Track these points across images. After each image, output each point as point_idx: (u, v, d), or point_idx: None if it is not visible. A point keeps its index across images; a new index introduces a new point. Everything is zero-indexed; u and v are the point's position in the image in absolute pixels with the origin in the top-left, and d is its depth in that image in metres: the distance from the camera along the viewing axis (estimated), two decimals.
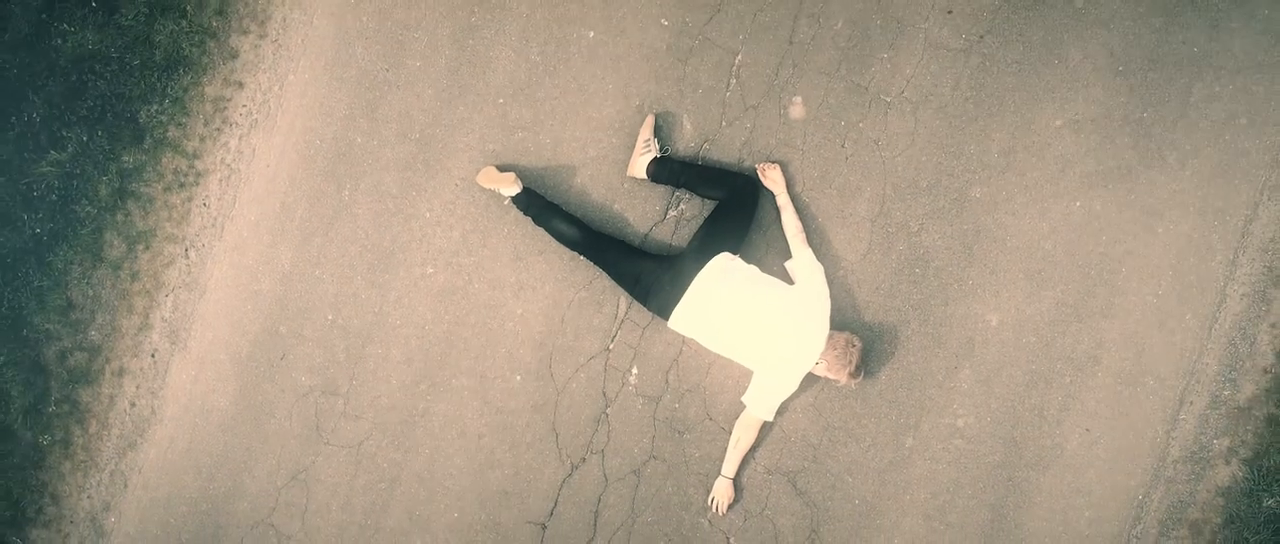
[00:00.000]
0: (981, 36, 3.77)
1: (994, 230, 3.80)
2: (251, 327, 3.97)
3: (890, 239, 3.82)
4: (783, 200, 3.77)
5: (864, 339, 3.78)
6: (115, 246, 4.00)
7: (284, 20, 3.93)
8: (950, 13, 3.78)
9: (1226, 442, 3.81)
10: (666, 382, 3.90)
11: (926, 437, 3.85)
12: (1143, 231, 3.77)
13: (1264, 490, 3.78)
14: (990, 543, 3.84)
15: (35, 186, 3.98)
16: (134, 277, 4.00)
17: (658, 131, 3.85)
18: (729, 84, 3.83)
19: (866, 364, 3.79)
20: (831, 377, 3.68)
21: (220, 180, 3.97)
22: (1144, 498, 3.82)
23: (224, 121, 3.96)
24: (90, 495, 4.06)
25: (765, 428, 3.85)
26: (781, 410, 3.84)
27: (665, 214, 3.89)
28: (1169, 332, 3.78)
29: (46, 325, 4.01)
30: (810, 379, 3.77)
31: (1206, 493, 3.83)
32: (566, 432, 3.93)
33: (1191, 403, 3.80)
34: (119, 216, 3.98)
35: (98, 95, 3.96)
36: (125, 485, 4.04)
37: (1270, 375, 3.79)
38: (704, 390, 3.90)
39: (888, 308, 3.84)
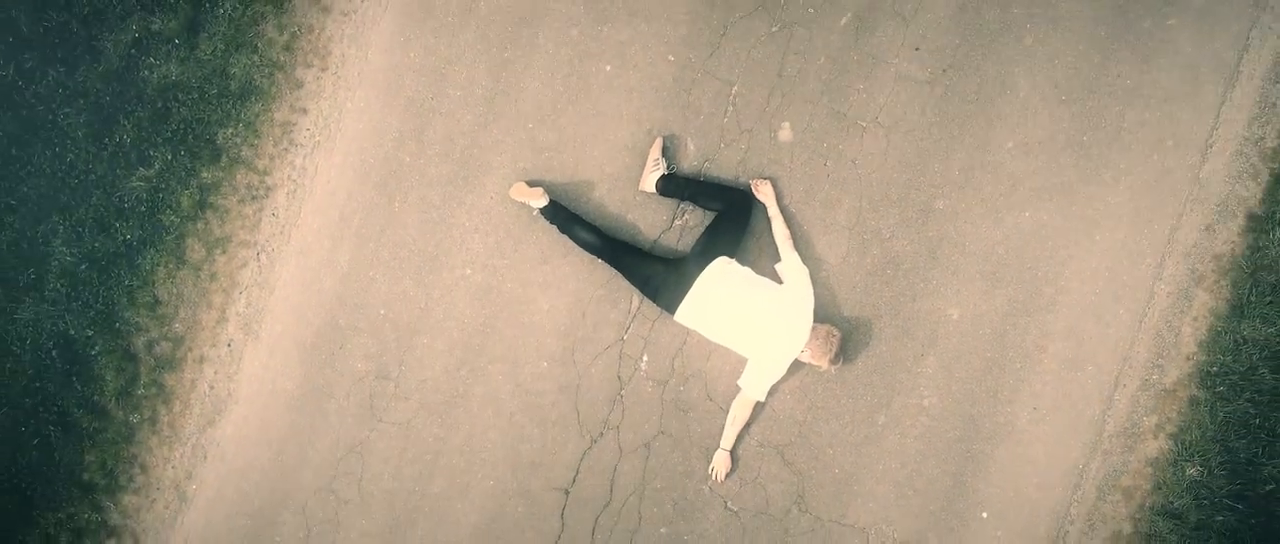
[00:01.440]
0: (944, 70, 4.37)
1: (954, 237, 4.40)
2: (314, 319, 4.59)
3: (865, 244, 4.43)
4: (773, 211, 4.37)
5: (843, 330, 4.38)
6: (196, 251, 4.61)
7: (342, 55, 4.54)
8: (917, 50, 4.38)
9: (1154, 419, 4.41)
10: (673, 367, 4.51)
11: (897, 415, 4.46)
12: (1083, 238, 4.37)
13: (1186, 461, 4.38)
14: (951, 506, 4.45)
15: (126, 199, 4.59)
16: (212, 277, 4.62)
17: (665, 152, 4.45)
18: (726, 111, 4.44)
19: (845, 352, 4.39)
20: (815, 363, 4.28)
21: (287, 193, 4.58)
22: (1083, 467, 4.43)
23: (290, 143, 4.57)
24: (174, 466, 4.69)
25: (758, 407, 4.46)
26: (772, 392, 4.44)
27: (671, 223, 4.50)
28: (1105, 324, 4.39)
29: (136, 319, 4.63)
30: (797, 365, 4.38)
31: (1137, 463, 4.43)
32: (587, 410, 4.54)
33: (1124, 386, 4.40)
34: (199, 225, 4.60)
35: (180, 120, 4.57)
36: (205, 457, 4.67)
37: (1192, 362, 4.39)
38: (705, 375, 4.51)
39: (863, 304, 4.45)
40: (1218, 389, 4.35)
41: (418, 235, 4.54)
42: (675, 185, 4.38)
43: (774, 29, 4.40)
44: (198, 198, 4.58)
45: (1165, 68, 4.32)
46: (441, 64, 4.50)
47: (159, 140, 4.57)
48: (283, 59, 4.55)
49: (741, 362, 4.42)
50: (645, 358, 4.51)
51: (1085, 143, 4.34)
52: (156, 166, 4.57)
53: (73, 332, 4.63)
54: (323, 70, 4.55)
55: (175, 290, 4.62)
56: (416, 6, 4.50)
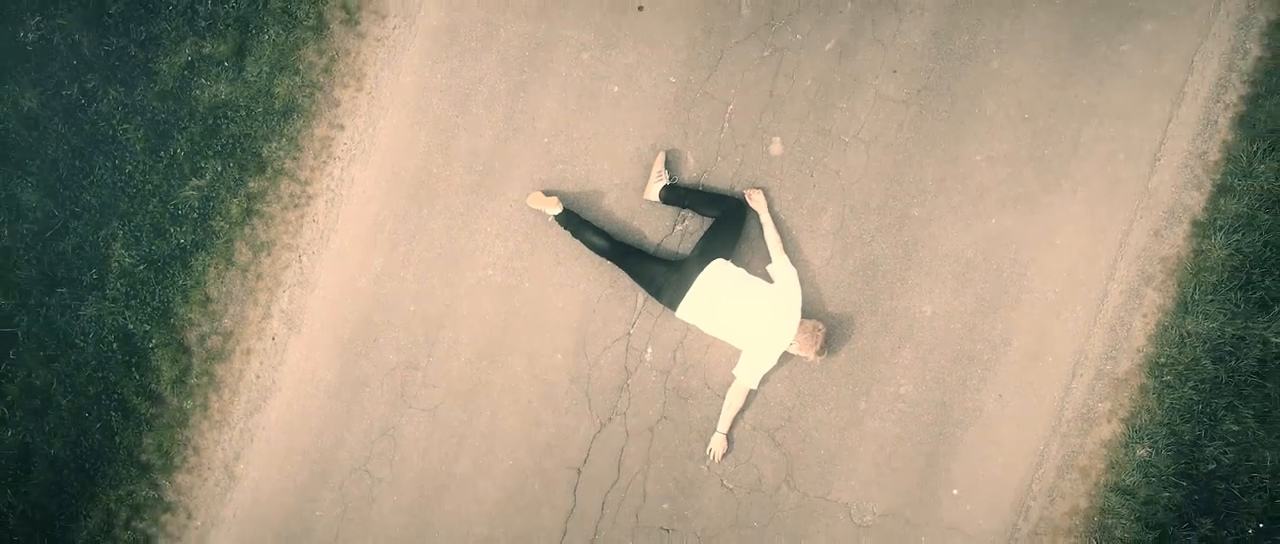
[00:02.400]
0: (918, 91, 4.85)
1: (928, 241, 4.88)
2: (351, 316, 5.08)
3: (848, 248, 4.91)
4: (765, 218, 4.85)
5: (828, 325, 4.86)
6: (243, 253, 5.10)
7: (376, 77, 5.02)
8: (895, 72, 4.86)
9: (1108, 405, 4.89)
10: (674, 359, 5.00)
11: (876, 401, 4.94)
12: (1044, 242, 4.85)
13: (1137, 442, 4.86)
14: (925, 483, 4.94)
15: (180, 207, 5.08)
16: (258, 277, 5.11)
17: (667, 164, 4.93)
18: (723, 128, 4.92)
19: (830, 345, 4.87)
20: (802, 354, 4.76)
21: (326, 202, 5.07)
22: (1044, 449, 4.91)
23: (329, 156, 5.06)
24: (224, 448, 5.18)
25: (751, 394, 4.94)
26: (763, 381, 4.93)
27: (673, 229, 4.98)
28: (1064, 320, 4.87)
29: (189, 315, 5.12)
30: (786, 356, 4.86)
31: (1093, 445, 4.91)
32: (597, 398, 5.03)
33: (1081, 375, 4.89)
34: (247, 230, 5.09)
35: (229, 135, 5.06)
36: (252, 440, 5.16)
37: (1142, 354, 4.87)
38: (703, 366, 5.00)
39: (846, 301, 4.93)
40: (1165, 378, 4.83)
41: (444, 239, 5.02)
42: (676, 194, 4.86)
43: (765, 53, 4.88)
44: (245, 205, 5.06)
45: (1118, 89, 4.79)
46: (466, 85, 4.98)
47: (210, 153, 5.05)
48: (322, 80, 5.03)
49: (736, 353, 4.90)
50: (649, 350, 4.99)
51: (1046, 156, 4.82)
52: (207, 177, 5.06)
53: (132, 326, 5.12)
54: (358, 90, 5.03)
55: (225, 289, 5.11)
56: (443, 33, 4.98)
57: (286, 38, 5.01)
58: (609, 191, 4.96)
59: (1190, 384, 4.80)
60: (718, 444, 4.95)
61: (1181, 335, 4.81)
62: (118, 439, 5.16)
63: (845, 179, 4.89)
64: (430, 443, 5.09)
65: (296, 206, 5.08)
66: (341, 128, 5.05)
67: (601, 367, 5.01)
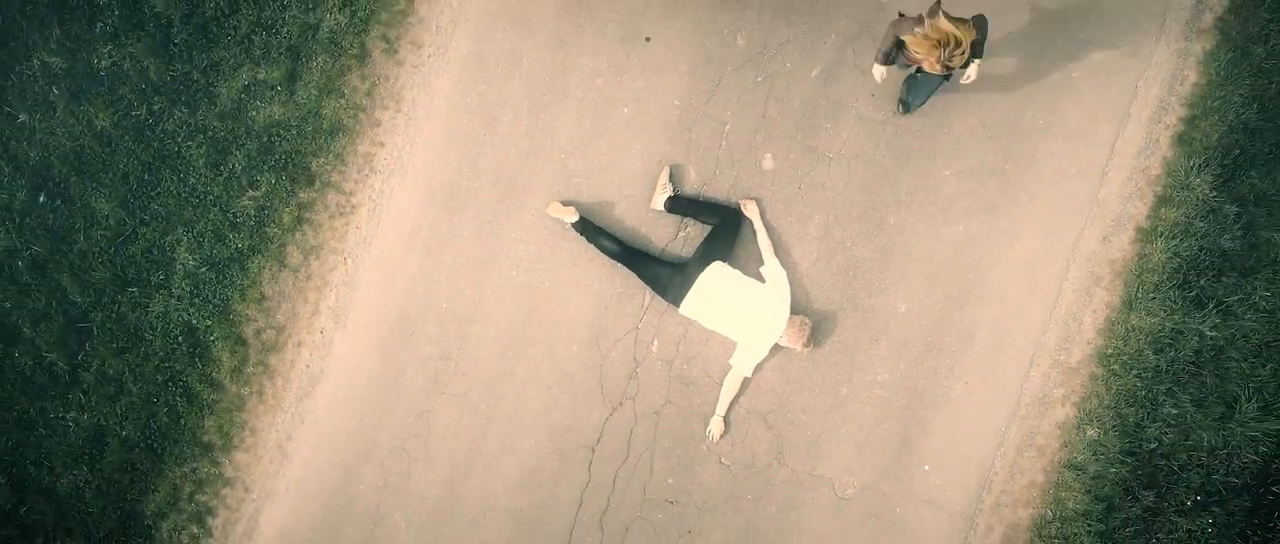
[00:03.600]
0: (891, 116, 5.46)
1: (903, 246, 5.50)
2: (390, 312, 5.71)
3: (831, 251, 5.53)
4: (758, 225, 5.47)
5: (814, 320, 5.49)
6: (294, 256, 5.74)
7: (413, 100, 5.65)
8: (873, 96, 5.47)
9: (1062, 391, 5.51)
10: (678, 350, 5.62)
11: (856, 387, 5.57)
12: (1004, 247, 5.47)
13: (1087, 424, 5.48)
14: (899, 460, 5.57)
15: (238, 215, 5.71)
16: (308, 277, 5.74)
17: (671, 177, 5.55)
18: (721, 145, 5.54)
19: (815, 337, 5.49)
20: (791, 346, 5.39)
21: (368, 211, 5.70)
22: (1005, 430, 5.53)
23: (371, 170, 5.69)
24: (277, 429, 5.82)
25: (745, 382, 5.57)
26: (757, 369, 5.55)
27: (676, 234, 5.60)
28: (1023, 316, 5.48)
29: (246, 311, 5.76)
30: (776, 348, 5.49)
31: (1048, 426, 5.54)
32: (609, 384, 5.66)
33: (1038, 364, 5.51)
34: (298, 235, 5.72)
35: (282, 151, 5.69)
36: (302, 422, 5.79)
37: (1092, 346, 5.49)
38: (704, 356, 5.62)
39: (830, 299, 5.55)
40: (1112, 367, 5.45)
41: (473, 244, 5.65)
42: (679, 204, 5.48)
43: (759, 79, 5.50)
44: (296, 214, 5.70)
45: (1070, 111, 5.40)
46: (492, 107, 5.61)
47: (264, 168, 5.68)
48: (365, 102, 5.66)
49: (733, 345, 5.52)
50: (655, 342, 5.62)
51: (1006, 171, 5.44)
52: (262, 189, 5.69)
53: (195, 321, 5.76)
54: (397, 111, 5.66)
55: (278, 288, 5.75)
56: (472, 61, 5.61)
57: (333, 65, 5.63)
58: (619, 202, 5.59)
59: (1134, 372, 5.42)
60: (716, 426, 5.57)
61: (1126, 329, 5.43)
62: (182, 422, 5.80)
63: (829, 191, 5.51)
64: (460, 425, 5.72)
65: (342, 215, 5.71)
66: (382, 145, 5.67)
67: (613, 357, 5.64)
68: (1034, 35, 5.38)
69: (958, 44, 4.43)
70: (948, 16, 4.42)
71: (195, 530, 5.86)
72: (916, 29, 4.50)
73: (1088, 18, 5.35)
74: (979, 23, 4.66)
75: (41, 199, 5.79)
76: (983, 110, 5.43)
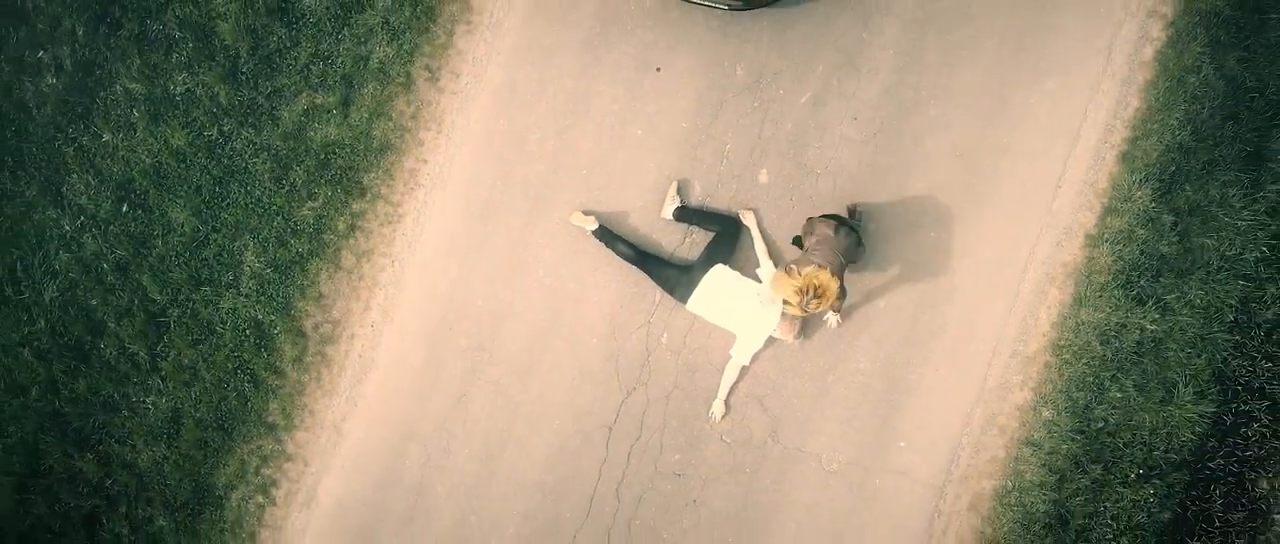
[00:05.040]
0: (873, 135, 6.24)
1: (881, 249, 6.27)
2: (433, 309, 6.50)
3: None
4: (754, 233, 6.23)
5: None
6: (348, 259, 6.53)
7: (453, 122, 6.43)
8: (855, 119, 6.24)
9: (1020, 377, 6.29)
10: (684, 342, 6.41)
11: (841, 374, 6.35)
12: (970, 251, 6.23)
13: (1043, 406, 6.25)
14: (878, 438, 6.34)
15: (298, 223, 6.50)
16: (360, 278, 6.54)
17: (679, 190, 6.32)
18: (722, 162, 6.32)
19: (805, 330, 6.28)
20: (784, 338, 6.16)
21: (413, 220, 6.49)
22: (970, 411, 6.30)
23: (416, 184, 6.47)
24: (333, 411, 6.62)
25: (743, 369, 6.33)
26: (754, 358, 6.32)
27: (683, 240, 6.39)
28: (985, 312, 6.24)
29: (306, 308, 6.55)
30: (771, 340, 6.27)
31: (1009, 408, 6.31)
32: (624, 372, 6.44)
33: (999, 354, 6.28)
34: (351, 241, 6.51)
35: (337, 167, 6.47)
36: (355, 406, 6.59)
37: (1046, 338, 6.26)
38: (707, 347, 6.41)
39: None
40: (1064, 356, 6.22)
41: (505, 250, 6.44)
42: (686, 214, 6.26)
43: (755, 105, 6.28)
44: (350, 222, 6.49)
45: (1028, 132, 6.17)
46: (522, 129, 6.39)
47: (322, 181, 6.48)
48: (410, 125, 6.45)
49: (732, 337, 6.30)
50: (665, 335, 6.41)
51: (972, 184, 6.21)
52: (320, 200, 6.48)
53: (260, 317, 6.56)
54: (438, 132, 6.45)
55: (334, 288, 6.55)
56: (505, 89, 6.39)
57: (382, 91, 6.42)
58: (633, 212, 6.38)
59: (1083, 361, 6.20)
60: (718, 408, 6.36)
61: (1077, 323, 6.21)
62: (249, 404, 6.60)
63: (817, 202, 6.28)
64: (495, 408, 6.52)
65: (390, 223, 6.50)
66: (425, 162, 6.47)
67: (627, 348, 6.43)
68: (997, 65, 6.15)
69: (818, 293, 5.26)
70: (820, 265, 5.35)
71: (260, 500, 6.68)
72: (792, 264, 5.38)
73: (1043, 51, 6.12)
74: (842, 291, 5.56)
75: (124, 209, 6.59)
76: (952, 132, 6.20)
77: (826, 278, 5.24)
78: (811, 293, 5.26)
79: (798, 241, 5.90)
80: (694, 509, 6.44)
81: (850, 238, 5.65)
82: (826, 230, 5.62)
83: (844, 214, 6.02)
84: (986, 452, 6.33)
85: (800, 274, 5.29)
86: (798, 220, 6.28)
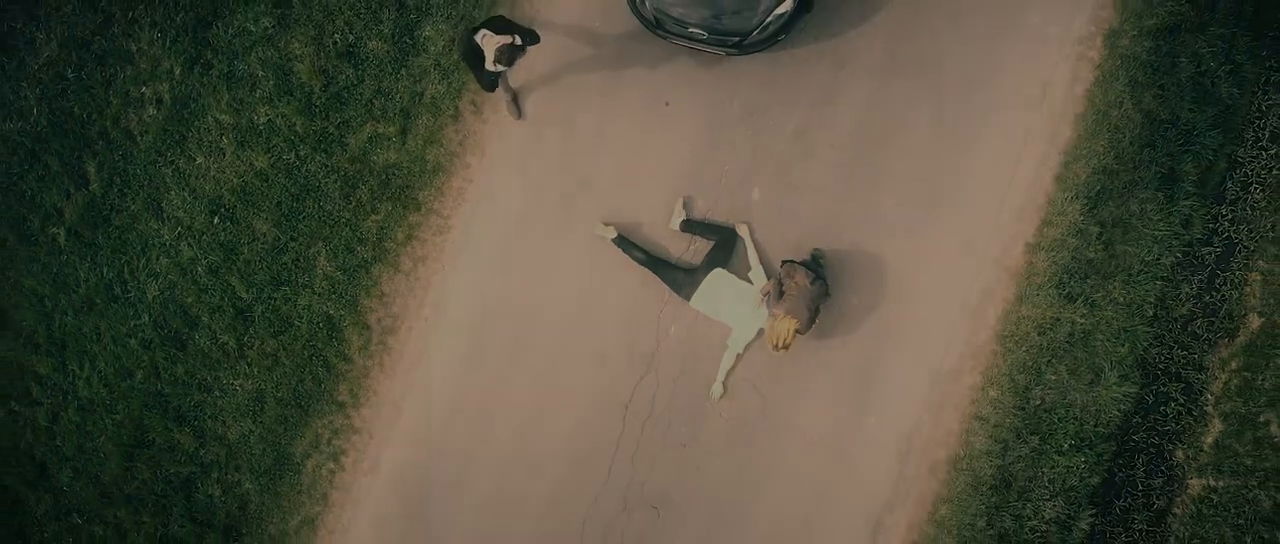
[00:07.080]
0: (848, 160, 7.40)
1: (856, 255, 7.43)
2: (478, 304, 7.67)
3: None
4: (748, 242, 7.41)
5: None
6: (407, 264, 7.73)
7: (494, 148, 7.60)
8: (832, 147, 7.42)
9: (971, 362, 7.47)
10: (689, 333, 7.59)
11: (822, 360, 7.52)
12: (930, 258, 7.38)
13: (990, 386, 7.41)
14: (854, 415, 7.47)
15: (363, 234, 7.69)
16: (416, 279, 7.73)
17: (685, 206, 7.49)
18: (721, 182, 7.50)
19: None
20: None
21: (461, 230, 7.65)
22: (928, 391, 7.45)
23: (463, 200, 7.64)
24: (394, 392, 7.80)
25: (739, 357, 7.53)
26: (748, 348, 7.50)
27: (688, 247, 7.57)
28: (942, 311, 7.38)
29: (370, 305, 7.76)
30: (761, 332, 7.45)
31: (961, 388, 7.47)
32: (638, 358, 7.63)
33: (953, 344, 7.44)
34: (408, 248, 7.70)
35: (397, 185, 7.63)
36: (412, 387, 7.78)
37: (993, 330, 7.40)
38: (708, 338, 7.58)
39: None
40: (1007, 345, 7.40)
41: (539, 256, 7.63)
42: (690, 226, 7.45)
43: (749, 134, 7.45)
44: (407, 232, 7.69)
45: (979, 156, 7.31)
46: (553, 152, 7.58)
47: (384, 198, 7.68)
48: (458, 150, 7.64)
49: (729, 330, 7.48)
50: (673, 328, 7.61)
51: (933, 200, 7.38)
52: (382, 214, 7.69)
53: (332, 312, 7.77)
54: (482, 156, 7.64)
55: (394, 287, 7.76)
56: (538, 120, 7.57)
57: (435, 122, 7.61)
58: (646, 224, 7.57)
59: (1024, 349, 7.38)
60: (717, 390, 7.55)
61: (1018, 318, 7.38)
62: (323, 386, 7.83)
63: (802, 215, 7.46)
64: (528, 386, 7.72)
65: (441, 233, 7.70)
66: (471, 182, 7.66)
67: (641, 338, 7.62)
68: (952, 103, 7.30)
69: (786, 347, 6.83)
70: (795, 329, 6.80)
71: (332, 466, 7.91)
72: (776, 309, 6.83)
73: (990, 88, 7.27)
74: (811, 322, 6.90)
75: (215, 220, 7.80)
76: (914, 158, 7.36)
77: (791, 335, 6.81)
78: (782, 345, 6.85)
79: (776, 281, 7.08)
80: (698, 475, 7.65)
81: (821, 287, 6.98)
82: (804, 281, 6.88)
83: (808, 258, 7.24)
84: (943, 425, 7.52)
85: (779, 320, 6.86)
86: (785, 232, 7.46)
